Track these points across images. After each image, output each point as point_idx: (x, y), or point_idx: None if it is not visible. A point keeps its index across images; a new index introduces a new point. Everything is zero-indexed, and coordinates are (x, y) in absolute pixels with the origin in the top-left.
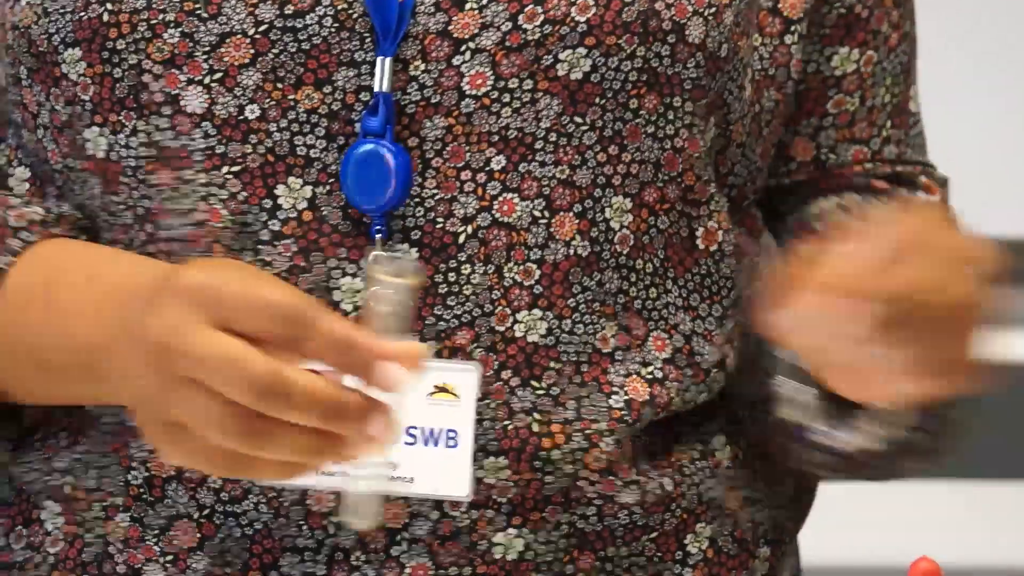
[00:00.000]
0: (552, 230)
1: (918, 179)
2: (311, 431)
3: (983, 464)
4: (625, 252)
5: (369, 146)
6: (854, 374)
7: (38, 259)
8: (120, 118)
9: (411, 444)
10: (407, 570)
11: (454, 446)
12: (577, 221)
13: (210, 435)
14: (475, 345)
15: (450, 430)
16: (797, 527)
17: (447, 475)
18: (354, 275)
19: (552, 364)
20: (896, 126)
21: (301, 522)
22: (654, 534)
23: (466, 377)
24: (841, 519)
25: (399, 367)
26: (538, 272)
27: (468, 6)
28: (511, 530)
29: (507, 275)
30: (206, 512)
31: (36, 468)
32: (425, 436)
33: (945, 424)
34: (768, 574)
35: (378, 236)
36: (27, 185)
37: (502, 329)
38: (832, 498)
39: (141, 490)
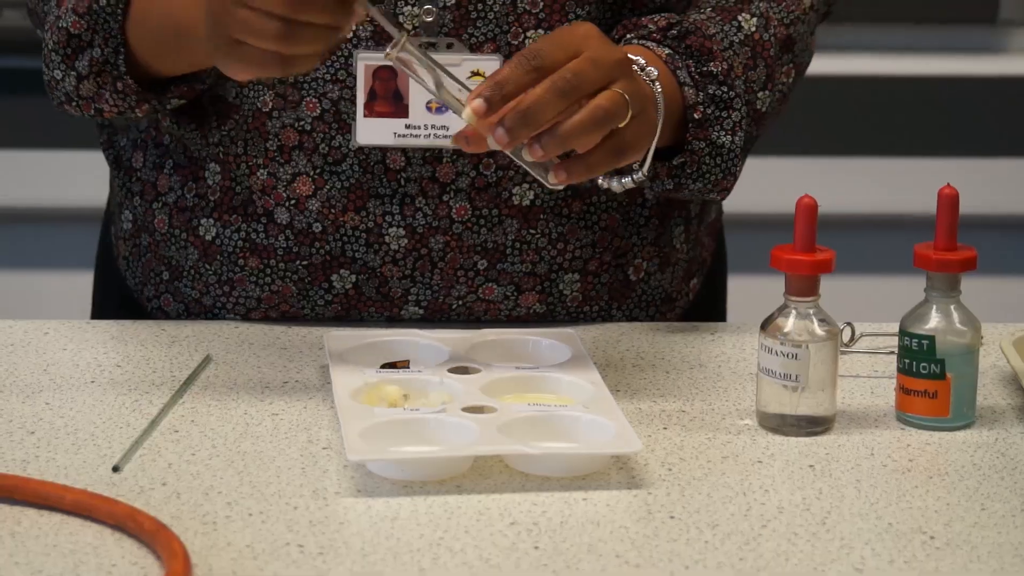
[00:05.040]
0: None
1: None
2: (325, 27)
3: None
4: None
5: None
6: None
7: None
8: None
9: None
10: (453, 210)
11: None
12: None
13: (260, 43)
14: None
15: None
16: None
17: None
18: None
19: None
20: None
21: (382, 176)
22: None
23: (491, 64)
24: None
25: None
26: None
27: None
28: (525, 184)
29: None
30: (318, 171)
31: (199, 140)
32: None
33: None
34: None
35: None
36: None
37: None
38: None
39: (274, 154)
